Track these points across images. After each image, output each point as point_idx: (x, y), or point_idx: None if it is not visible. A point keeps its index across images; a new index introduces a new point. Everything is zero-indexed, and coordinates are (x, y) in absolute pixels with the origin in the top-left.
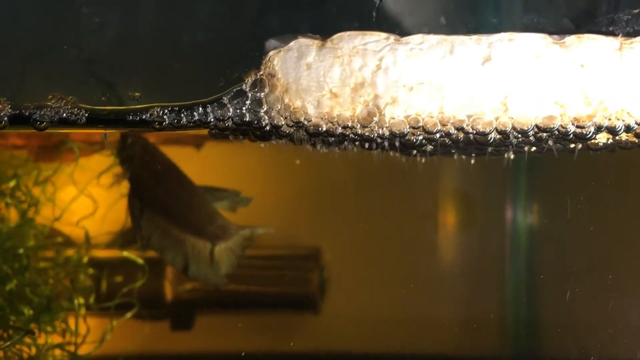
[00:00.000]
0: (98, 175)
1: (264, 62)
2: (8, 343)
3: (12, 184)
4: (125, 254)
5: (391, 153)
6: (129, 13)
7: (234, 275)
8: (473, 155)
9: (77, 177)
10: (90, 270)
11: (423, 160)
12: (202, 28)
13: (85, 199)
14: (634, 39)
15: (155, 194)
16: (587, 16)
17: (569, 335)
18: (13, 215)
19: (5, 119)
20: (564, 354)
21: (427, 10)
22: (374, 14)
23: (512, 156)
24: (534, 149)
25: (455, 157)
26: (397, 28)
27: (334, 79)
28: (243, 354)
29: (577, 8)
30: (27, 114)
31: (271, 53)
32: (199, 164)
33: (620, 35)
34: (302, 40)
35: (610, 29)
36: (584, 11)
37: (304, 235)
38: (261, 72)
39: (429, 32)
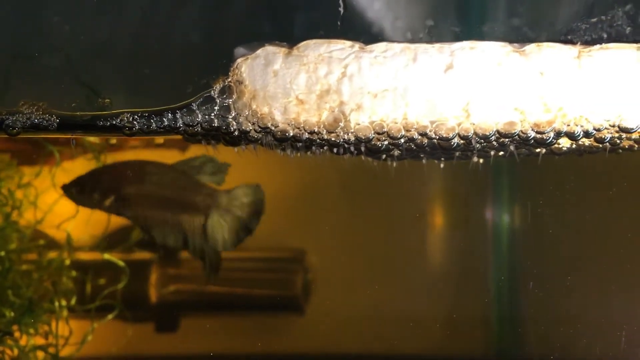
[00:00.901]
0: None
1: (232, 69)
2: None
3: None
4: (107, 256)
5: (362, 157)
6: (100, 21)
7: (219, 277)
8: (442, 159)
9: (59, 180)
10: (73, 273)
11: (394, 164)
12: (171, 36)
13: (68, 202)
14: (592, 48)
15: (135, 196)
16: (547, 25)
17: (552, 334)
18: None
19: None
20: (548, 353)
21: (393, 20)
22: (338, 22)
23: (480, 160)
24: (501, 153)
25: (424, 161)
26: (363, 36)
27: (300, 86)
28: (211, 353)
29: (536, 17)
30: None
31: (239, 60)
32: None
33: (579, 43)
34: (269, 48)
35: (569, 37)
36: (543, 20)
37: (287, 237)
38: (229, 79)
39: (396, 39)
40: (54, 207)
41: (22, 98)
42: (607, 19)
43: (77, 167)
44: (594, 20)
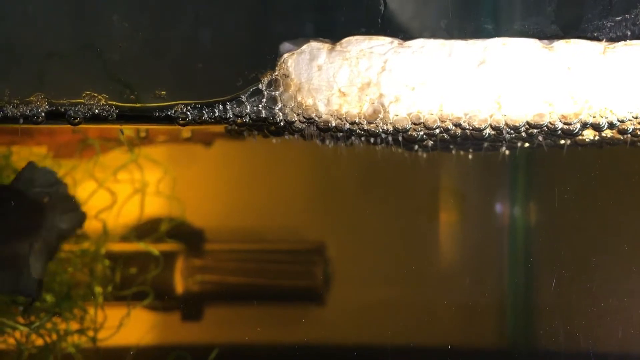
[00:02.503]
0: (114, 171)
1: (279, 63)
2: (37, 323)
3: None
4: (142, 245)
5: (393, 149)
6: (157, 19)
7: (244, 269)
8: (470, 150)
9: (95, 173)
10: (107, 262)
11: (425, 155)
12: (222, 33)
13: (103, 193)
14: (616, 44)
15: None
16: (574, 23)
17: (566, 325)
18: None
19: (42, 114)
20: (562, 343)
21: (429, 17)
22: (379, 20)
23: (507, 152)
24: (527, 144)
25: (454, 152)
26: (402, 32)
27: (343, 79)
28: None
29: (564, 15)
30: (62, 110)
31: (285, 55)
32: (209, 160)
33: (604, 40)
34: (314, 44)
35: (595, 34)
36: (571, 18)
37: (309, 229)
38: (276, 73)
39: (432, 36)
40: (90, 198)
41: (84, 90)
42: (631, 18)
43: (112, 160)
44: (619, 18)
